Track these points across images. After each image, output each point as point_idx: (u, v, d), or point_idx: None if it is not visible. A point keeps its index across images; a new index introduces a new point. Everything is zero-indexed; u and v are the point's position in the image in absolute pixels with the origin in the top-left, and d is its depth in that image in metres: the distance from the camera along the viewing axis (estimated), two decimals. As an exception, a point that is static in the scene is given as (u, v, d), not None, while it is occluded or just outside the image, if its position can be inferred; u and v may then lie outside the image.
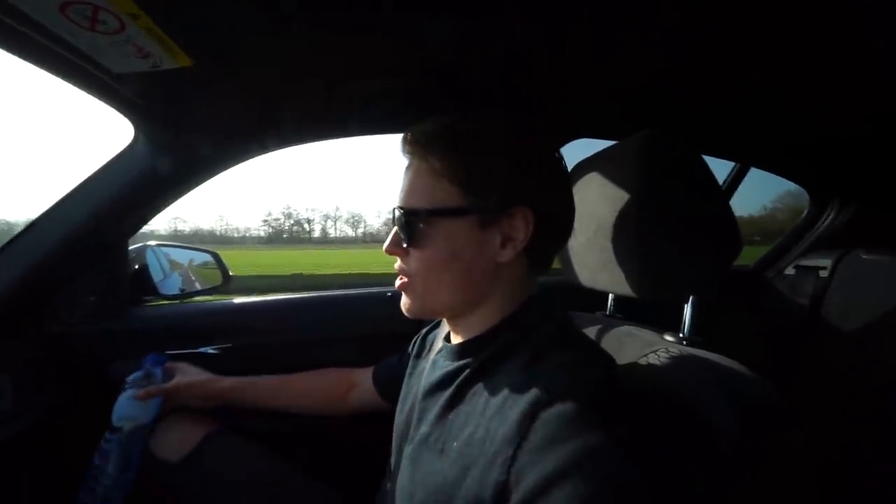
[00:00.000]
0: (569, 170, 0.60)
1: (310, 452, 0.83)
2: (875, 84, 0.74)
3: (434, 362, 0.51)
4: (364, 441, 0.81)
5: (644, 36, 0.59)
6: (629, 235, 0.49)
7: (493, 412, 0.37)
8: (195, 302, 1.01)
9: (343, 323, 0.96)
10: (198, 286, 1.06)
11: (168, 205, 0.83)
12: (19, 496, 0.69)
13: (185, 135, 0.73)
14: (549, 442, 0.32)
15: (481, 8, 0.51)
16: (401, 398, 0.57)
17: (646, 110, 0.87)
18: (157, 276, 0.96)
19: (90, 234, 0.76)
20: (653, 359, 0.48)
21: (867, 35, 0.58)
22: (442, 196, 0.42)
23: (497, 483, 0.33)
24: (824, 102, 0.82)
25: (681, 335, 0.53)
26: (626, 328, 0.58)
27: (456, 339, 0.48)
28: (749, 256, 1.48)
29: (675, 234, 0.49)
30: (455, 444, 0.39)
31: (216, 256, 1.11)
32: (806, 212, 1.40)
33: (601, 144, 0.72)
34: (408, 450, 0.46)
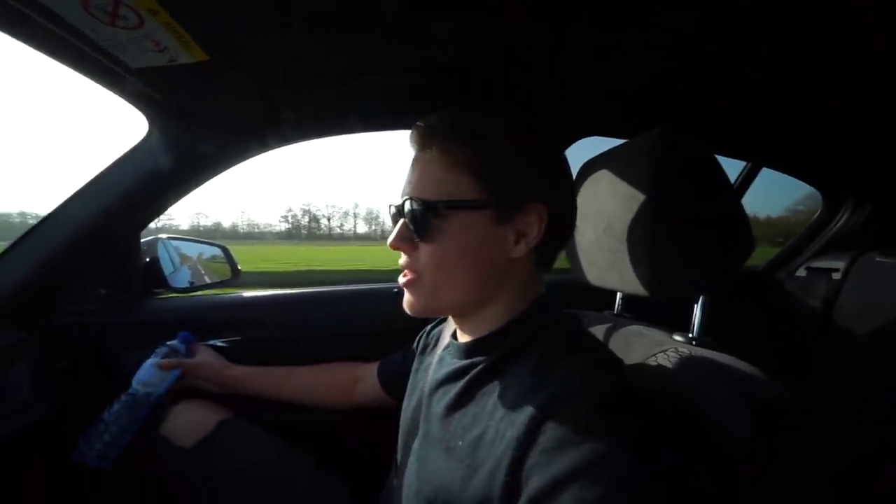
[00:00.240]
0: (575, 169, 0.60)
1: (317, 445, 0.85)
2: (885, 83, 0.73)
3: (441, 359, 0.51)
4: (370, 436, 0.82)
5: (649, 34, 0.58)
6: (639, 234, 0.49)
7: (502, 414, 0.37)
8: (204, 295, 1.03)
9: (350, 318, 0.97)
10: (207, 279, 1.08)
11: (179, 199, 0.84)
12: (33, 482, 0.70)
13: (198, 129, 0.73)
14: (559, 444, 0.32)
15: (486, 6, 0.51)
16: (407, 394, 0.57)
17: (653, 109, 0.86)
18: (167, 269, 0.98)
19: (103, 227, 0.77)
20: (662, 359, 0.47)
21: (872, 35, 0.57)
22: (459, 188, 0.41)
23: (504, 484, 0.33)
24: (834, 101, 0.81)
25: (690, 335, 0.52)
26: (634, 328, 0.57)
27: (464, 338, 0.48)
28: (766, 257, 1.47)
29: (685, 233, 0.48)
30: (461, 443, 0.39)
31: (225, 250, 1.12)
32: (818, 212, 1.38)
33: (605, 143, 0.72)
34: (414, 446, 0.46)
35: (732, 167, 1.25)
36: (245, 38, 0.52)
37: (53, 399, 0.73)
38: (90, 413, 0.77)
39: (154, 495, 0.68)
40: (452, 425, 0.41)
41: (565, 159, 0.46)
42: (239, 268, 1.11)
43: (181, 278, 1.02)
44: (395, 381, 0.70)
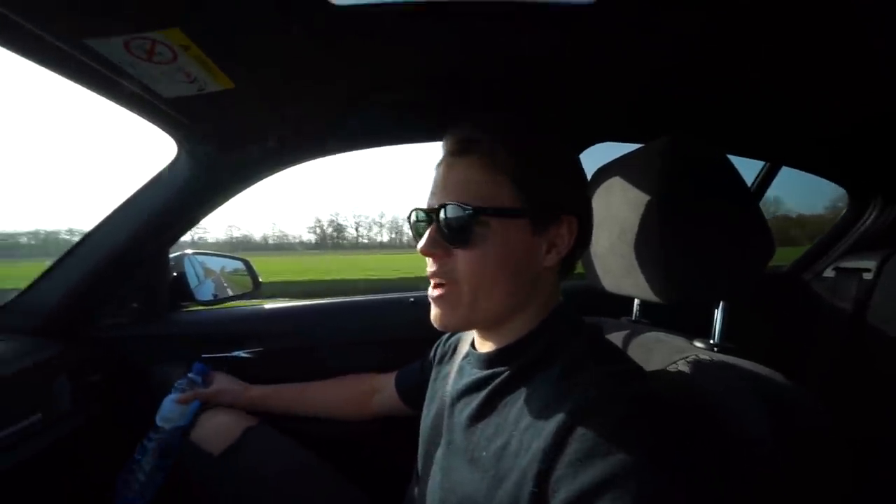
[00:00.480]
0: (587, 175, 0.61)
1: (335, 454, 0.86)
2: None
3: (461, 369, 0.51)
4: (387, 445, 0.82)
5: (659, 37, 0.59)
6: (654, 240, 0.49)
7: (526, 424, 0.37)
8: (228, 307, 1.07)
9: (367, 328, 0.99)
10: (230, 292, 1.12)
11: (206, 215, 0.88)
12: (73, 486, 0.74)
13: (224, 151, 0.78)
14: (586, 456, 0.32)
15: (495, 14, 0.52)
16: (426, 403, 0.58)
17: (665, 113, 0.85)
18: (192, 283, 1.02)
19: (136, 244, 0.82)
20: (683, 366, 0.47)
21: (891, 26, 0.56)
22: (499, 196, 0.41)
23: (532, 495, 0.33)
24: (852, 95, 0.79)
25: (711, 342, 0.52)
26: (653, 334, 0.57)
27: (484, 347, 0.48)
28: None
29: (701, 238, 0.48)
30: (485, 453, 0.39)
31: (247, 264, 1.16)
32: (845, 211, 1.33)
33: (618, 149, 0.72)
34: (437, 456, 0.46)
35: (750, 167, 1.23)
36: (268, 66, 0.56)
37: (90, 410, 0.77)
38: (125, 420, 0.81)
39: (183, 501, 0.71)
40: (476, 436, 0.42)
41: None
42: (260, 280, 1.15)
43: (206, 291, 1.06)
44: (413, 391, 0.71)
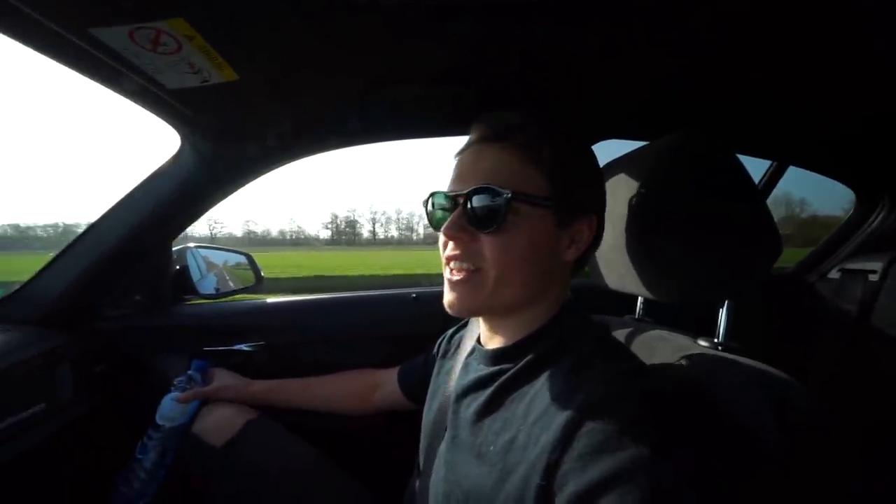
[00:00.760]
0: None
1: (336, 448, 0.86)
2: None
3: (466, 365, 0.51)
4: (388, 439, 0.83)
5: (668, 35, 0.58)
6: (659, 238, 0.48)
7: (534, 418, 0.37)
8: (230, 301, 1.07)
9: (369, 323, 0.99)
10: (232, 286, 1.12)
11: (210, 208, 0.88)
12: (74, 475, 0.74)
13: (228, 143, 0.77)
14: (595, 451, 0.32)
15: (506, 9, 0.52)
16: (428, 398, 0.58)
17: (673, 110, 0.85)
18: (195, 276, 1.02)
19: (138, 237, 0.82)
20: (686, 364, 0.46)
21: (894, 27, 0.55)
22: (532, 185, 0.41)
23: (539, 488, 0.33)
24: (860, 95, 0.78)
25: (716, 341, 0.51)
26: (657, 332, 0.56)
27: (493, 343, 0.48)
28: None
29: (708, 236, 0.47)
30: (492, 448, 0.39)
31: (249, 258, 1.16)
32: (851, 212, 1.31)
33: (624, 145, 0.71)
34: (441, 450, 0.46)
35: (757, 166, 1.22)
36: (273, 58, 0.55)
37: (92, 401, 0.77)
38: (126, 410, 0.81)
39: (184, 493, 0.71)
40: (483, 431, 0.42)
41: None
42: (262, 274, 1.15)
43: (208, 285, 1.06)
44: (415, 386, 0.71)
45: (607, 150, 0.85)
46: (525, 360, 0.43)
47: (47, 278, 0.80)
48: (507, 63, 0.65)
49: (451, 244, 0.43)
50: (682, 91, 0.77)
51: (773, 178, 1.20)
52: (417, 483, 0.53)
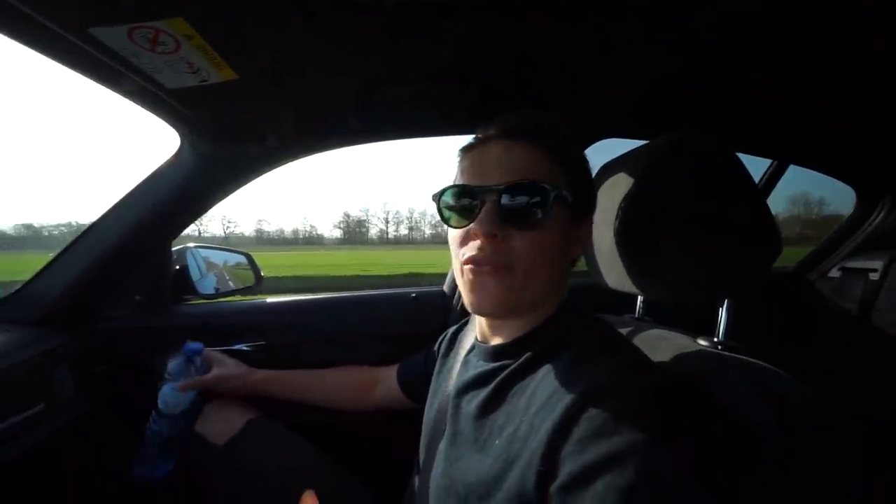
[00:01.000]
0: (594, 171, 0.61)
1: (336, 446, 0.86)
2: None
3: (467, 362, 0.51)
4: (388, 438, 0.83)
5: (668, 34, 0.58)
6: (658, 237, 0.48)
7: (536, 409, 0.37)
8: (230, 301, 1.07)
9: (369, 322, 0.99)
10: (232, 286, 1.12)
11: (210, 208, 0.88)
12: (75, 475, 0.75)
13: (227, 143, 0.77)
14: (594, 435, 0.32)
15: (506, 8, 0.52)
16: (429, 396, 0.58)
17: (673, 109, 0.85)
18: (195, 276, 1.02)
19: (138, 237, 0.82)
20: (687, 364, 0.46)
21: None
22: (557, 183, 0.42)
23: (539, 474, 0.33)
24: (860, 95, 0.78)
25: (715, 340, 0.51)
26: (656, 332, 0.56)
27: (493, 340, 0.48)
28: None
29: (707, 235, 0.47)
30: (497, 441, 0.39)
31: (249, 258, 1.16)
32: (852, 211, 1.31)
33: (624, 145, 0.71)
34: (442, 446, 0.46)
35: (759, 165, 1.22)
36: (272, 57, 0.55)
37: (92, 401, 0.77)
38: (127, 410, 0.81)
39: (187, 492, 0.71)
40: (486, 426, 0.42)
41: None
42: (262, 274, 1.15)
43: (207, 285, 1.06)
44: (414, 384, 0.71)
45: (607, 150, 0.85)
46: (526, 355, 0.43)
47: (47, 278, 0.80)
48: (507, 61, 0.65)
49: (478, 242, 0.41)
50: (681, 90, 0.77)
51: (773, 176, 1.19)
52: (417, 481, 0.53)
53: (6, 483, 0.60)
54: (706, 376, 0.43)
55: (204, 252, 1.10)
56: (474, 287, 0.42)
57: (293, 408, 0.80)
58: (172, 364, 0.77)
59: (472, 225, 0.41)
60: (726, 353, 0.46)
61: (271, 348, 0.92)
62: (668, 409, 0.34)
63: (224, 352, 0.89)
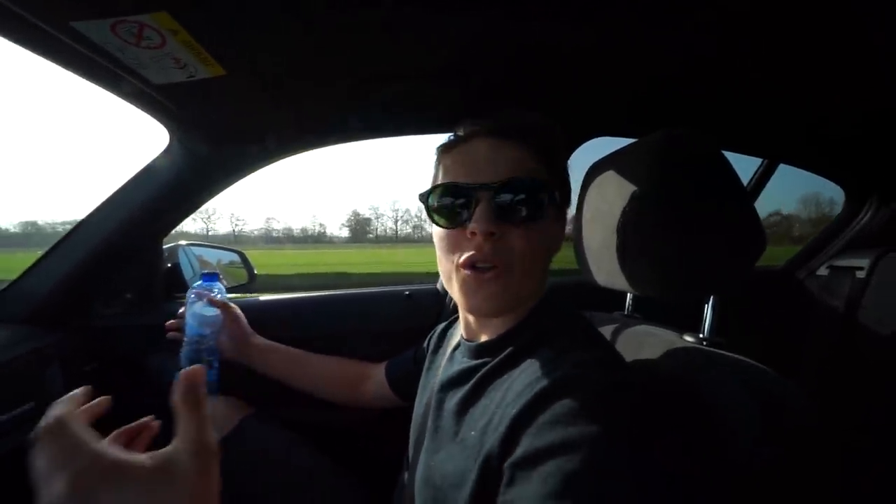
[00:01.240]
0: (585, 170, 0.61)
1: (329, 444, 0.87)
2: None
3: (452, 358, 0.52)
4: (380, 436, 0.83)
5: (660, 32, 0.58)
6: (646, 235, 0.49)
7: (508, 401, 0.38)
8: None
9: (362, 320, 0.99)
10: (225, 284, 1.11)
11: (200, 205, 0.87)
12: None
13: (217, 139, 0.77)
14: (554, 422, 0.32)
15: (497, 5, 0.51)
16: (419, 393, 0.58)
17: (664, 107, 0.85)
18: (187, 274, 1.02)
19: (128, 234, 0.81)
20: (672, 359, 0.47)
21: (890, 26, 0.55)
22: (543, 180, 0.43)
23: (500, 453, 0.34)
24: (850, 95, 0.79)
25: (701, 336, 0.52)
26: (644, 328, 0.57)
27: (477, 337, 0.49)
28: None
29: (693, 233, 0.48)
30: (472, 433, 0.40)
31: (242, 256, 1.16)
32: (841, 210, 1.33)
33: (616, 143, 0.72)
34: (425, 441, 0.47)
35: (746, 165, 1.23)
36: (260, 52, 0.55)
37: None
38: (116, 414, 0.80)
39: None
40: (465, 420, 0.42)
41: None
42: (255, 272, 1.15)
43: (200, 283, 1.05)
44: (402, 380, 0.71)
45: (598, 149, 0.86)
46: (506, 352, 0.43)
47: (36, 276, 0.80)
48: (502, 58, 0.65)
49: (475, 241, 0.40)
50: (673, 89, 0.78)
51: (763, 175, 1.21)
52: (406, 476, 0.54)
53: None
54: (692, 372, 0.44)
55: (197, 250, 1.10)
56: (473, 289, 0.42)
57: (288, 404, 0.80)
58: (195, 285, 0.77)
59: (470, 224, 0.40)
60: (711, 349, 0.47)
61: None
62: (631, 404, 0.34)
63: None
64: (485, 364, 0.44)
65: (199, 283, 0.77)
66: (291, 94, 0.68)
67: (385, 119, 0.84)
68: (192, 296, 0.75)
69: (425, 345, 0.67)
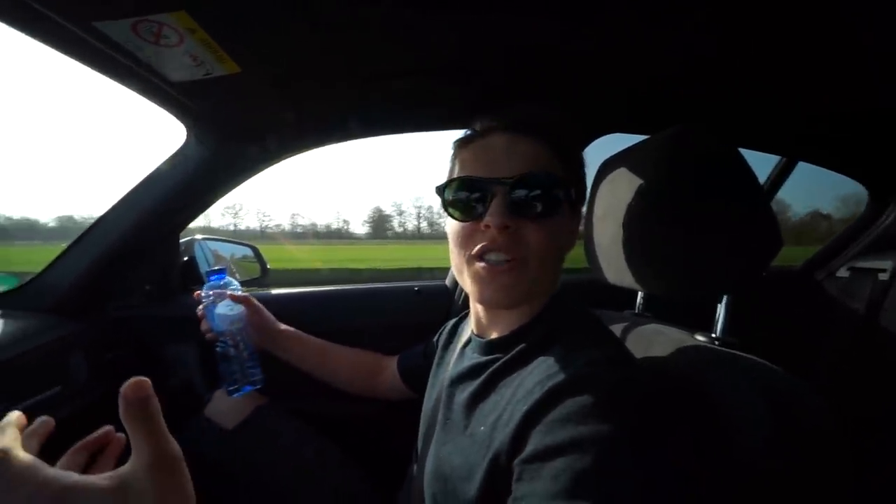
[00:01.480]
0: (596, 166, 0.61)
1: (339, 436, 0.88)
2: None
3: (463, 353, 0.52)
4: (390, 428, 0.84)
5: (671, 28, 0.57)
6: (658, 233, 0.48)
7: (519, 397, 0.38)
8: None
9: (372, 315, 1.00)
10: (238, 277, 1.14)
11: (216, 200, 0.89)
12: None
13: (233, 135, 0.78)
14: (564, 420, 0.33)
15: (507, 3, 0.51)
16: (429, 387, 0.59)
17: (678, 104, 0.83)
18: (203, 267, 1.04)
19: (147, 228, 0.84)
20: (682, 358, 0.47)
21: None
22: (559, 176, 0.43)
23: (509, 449, 0.34)
24: (875, 88, 0.76)
25: (713, 335, 0.51)
26: (654, 327, 0.57)
27: (488, 333, 0.49)
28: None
29: (701, 231, 0.47)
30: (482, 428, 0.40)
31: (255, 250, 1.18)
32: (864, 210, 1.29)
33: (628, 140, 0.71)
34: (435, 433, 0.48)
35: (764, 162, 1.20)
36: (275, 51, 0.56)
37: (105, 387, 0.80)
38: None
39: (196, 474, 0.73)
40: (475, 416, 0.43)
41: None
42: (268, 266, 1.17)
43: (214, 276, 1.08)
44: (413, 372, 0.72)
45: (610, 146, 0.84)
46: (517, 348, 0.43)
47: (59, 269, 0.83)
48: (508, 57, 0.64)
49: (490, 234, 0.41)
50: (685, 85, 0.76)
51: (782, 173, 1.17)
52: (415, 468, 0.55)
53: None
54: (702, 372, 0.43)
55: (212, 244, 1.12)
56: (486, 280, 0.42)
57: (300, 395, 0.82)
58: (208, 285, 0.76)
59: (486, 217, 0.41)
60: (723, 349, 0.47)
61: None
62: (641, 404, 0.34)
63: None
64: (496, 360, 0.44)
65: (209, 282, 0.77)
66: (304, 90, 0.69)
67: (393, 116, 0.85)
68: (210, 296, 0.75)
69: (435, 340, 0.67)
